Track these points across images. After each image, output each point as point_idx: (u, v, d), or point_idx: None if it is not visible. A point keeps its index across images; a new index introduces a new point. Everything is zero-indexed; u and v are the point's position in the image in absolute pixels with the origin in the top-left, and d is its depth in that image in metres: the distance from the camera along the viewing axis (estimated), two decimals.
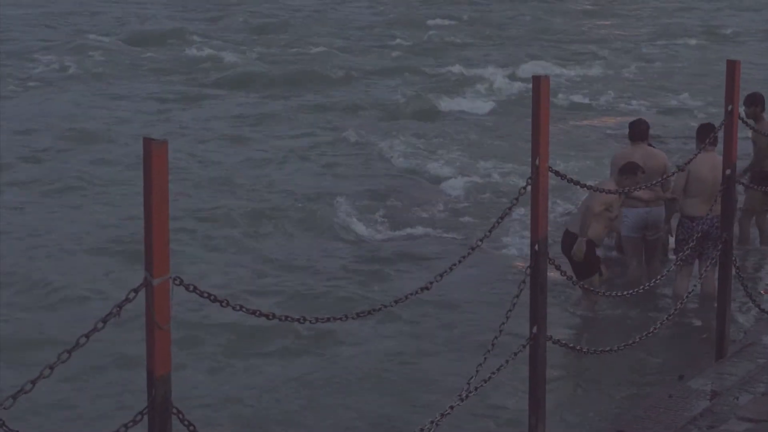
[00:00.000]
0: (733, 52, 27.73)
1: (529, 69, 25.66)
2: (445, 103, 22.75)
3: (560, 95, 23.48)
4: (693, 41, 32.39)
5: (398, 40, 31.49)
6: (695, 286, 9.43)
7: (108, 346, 9.51)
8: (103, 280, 12.02)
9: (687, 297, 9.26)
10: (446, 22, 35.71)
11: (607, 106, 23.09)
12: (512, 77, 25.67)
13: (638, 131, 11.80)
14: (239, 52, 28.38)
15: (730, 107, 9.09)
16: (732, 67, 9.07)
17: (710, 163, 10.81)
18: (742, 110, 10.78)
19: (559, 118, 20.83)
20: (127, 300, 4.74)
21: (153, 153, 4.69)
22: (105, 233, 13.75)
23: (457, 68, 26.55)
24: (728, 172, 9.24)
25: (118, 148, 18.34)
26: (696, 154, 10.23)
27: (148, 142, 4.71)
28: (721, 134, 9.55)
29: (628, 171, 10.80)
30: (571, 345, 7.58)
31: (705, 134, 10.79)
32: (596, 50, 30.21)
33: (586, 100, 23.57)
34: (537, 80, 6.86)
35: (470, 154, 18.37)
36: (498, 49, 30.54)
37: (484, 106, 22.94)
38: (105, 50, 28.18)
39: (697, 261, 11.12)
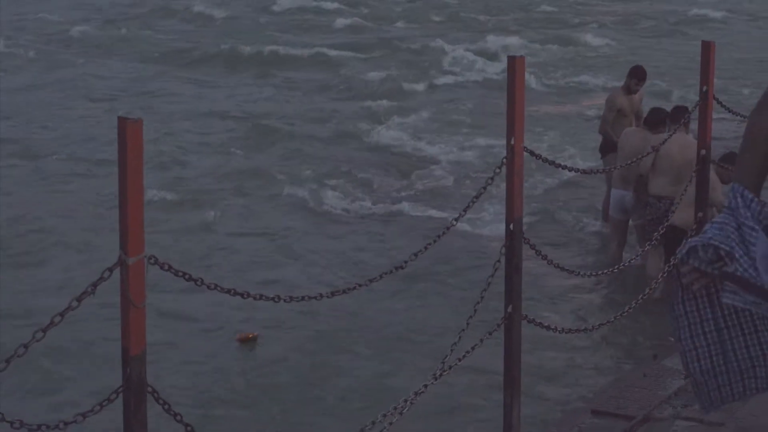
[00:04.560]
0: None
1: (509, 46, 25.65)
2: (426, 81, 22.70)
3: (541, 75, 23.45)
4: (670, 25, 32.36)
5: (371, 17, 31.36)
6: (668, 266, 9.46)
7: (84, 323, 9.52)
8: (82, 258, 12.00)
9: (661, 277, 9.30)
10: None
11: (591, 87, 23.03)
12: (491, 55, 25.61)
13: (656, 120, 11.66)
14: (205, 33, 28.21)
15: (705, 88, 9.12)
16: (707, 48, 9.09)
17: (680, 142, 10.82)
18: None
19: (542, 99, 20.86)
20: (102, 279, 4.73)
21: (128, 132, 4.68)
22: (83, 210, 13.74)
23: (435, 44, 26.47)
24: (703, 152, 9.27)
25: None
26: (670, 135, 10.25)
27: (123, 120, 4.70)
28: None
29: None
30: (546, 324, 7.59)
31: (679, 116, 10.83)
32: (578, 31, 30.17)
33: (566, 82, 23.52)
34: (512, 60, 6.86)
35: (450, 131, 18.36)
36: (478, 25, 30.47)
37: (464, 83, 22.92)
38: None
39: None
